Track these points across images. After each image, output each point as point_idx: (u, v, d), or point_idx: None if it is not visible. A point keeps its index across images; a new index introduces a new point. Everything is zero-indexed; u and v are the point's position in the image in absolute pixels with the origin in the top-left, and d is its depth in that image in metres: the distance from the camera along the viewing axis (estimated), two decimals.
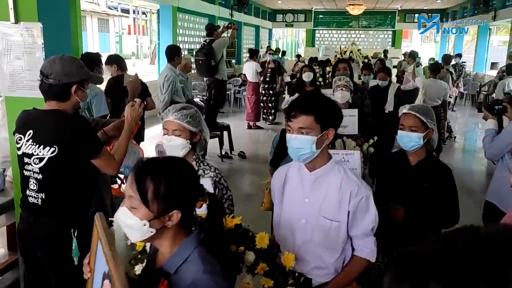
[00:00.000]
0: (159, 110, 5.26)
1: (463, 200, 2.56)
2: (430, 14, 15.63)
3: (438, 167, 2.41)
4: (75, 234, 2.11)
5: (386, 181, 2.55)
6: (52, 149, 2.08)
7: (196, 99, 6.72)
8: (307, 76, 5.42)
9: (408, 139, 2.32)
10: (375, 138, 3.32)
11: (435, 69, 7.11)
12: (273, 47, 20.45)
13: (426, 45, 35.35)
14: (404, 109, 2.37)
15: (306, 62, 9.71)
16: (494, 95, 7.53)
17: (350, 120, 3.12)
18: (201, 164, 2.16)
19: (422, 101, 6.55)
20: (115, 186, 3.55)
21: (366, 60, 9.61)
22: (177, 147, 2.07)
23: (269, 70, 9.55)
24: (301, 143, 1.76)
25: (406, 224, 2.31)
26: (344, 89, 3.71)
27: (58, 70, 2.12)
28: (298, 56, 15.05)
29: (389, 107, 5.69)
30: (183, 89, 5.45)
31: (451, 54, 14.06)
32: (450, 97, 8.68)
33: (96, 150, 2.16)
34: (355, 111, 3.27)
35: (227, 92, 10.40)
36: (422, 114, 2.30)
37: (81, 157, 2.15)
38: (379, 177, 2.70)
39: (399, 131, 2.37)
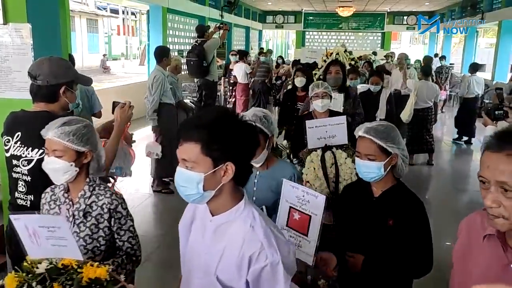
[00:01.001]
0: (148, 111, 5.23)
1: (459, 200, 2.57)
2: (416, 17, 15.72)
3: (406, 199, 1.95)
4: None
5: (345, 218, 2.11)
6: (41, 150, 2.06)
7: (186, 100, 6.69)
8: (299, 82, 5.07)
9: (366, 170, 1.90)
10: None
11: (426, 71, 7.21)
12: (265, 48, 20.50)
13: (414, 47, 35.73)
14: (359, 131, 1.93)
15: (290, 65, 9.72)
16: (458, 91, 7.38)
17: (339, 129, 2.91)
18: (96, 188, 1.84)
19: (414, 103, 6.60)
20: (109, 185, 3.53)
21: (353, 62, 9.57)
22: (57, 170, 1.76)
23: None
24: (185, 180, 1.33)
25: (365, 275, 1.94)
26: (324, 97, 3.35)
27: (46, 72, 2.11)
28: (281, 57, 14.38)
29: (380, 114, 5.38)
30: (173, 91, 5.43)
31: (439, 55, 14.22)
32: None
33: None
34: (342, 119, 3.04)
35: (217, 93, 10.44)
36: (381, 138, 1.86)
37: None
38: (337, 212, 2.25)
39: (356, 159, 1.96)
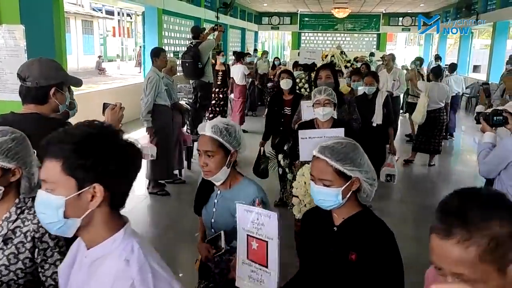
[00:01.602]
0: (142, 112, 5.20)
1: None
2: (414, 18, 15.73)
3: (372, 229, 1.64)
4: None
5: (304, 251, 1.84)
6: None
7: (182, 102, 6.67)
8: (285, 84, 4.73)
9: (321, 197, 1.62)
10: None
11: (436, 72, 7.28)
12: (259, 49, 20.52)
13: (410, 48, 35.85)
14: (314, 151, 1.66)
15: (290, 67, 9.20)
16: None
17: None
18: (24, 211, 1.59)
19: (426, 105, 6.62)
20: None
21: (348, 65, 9.18)
22: None
23: (220, 72, 8.95)
24: (43, 205, 1.13)
25: None
26: (326, 104, 3.12)
27: (36, 73, 2.08)
28: (277, 58, 13.53)
29: (377, 119, 4.98)
30: (169, 92, 5.40)
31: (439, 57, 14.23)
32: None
33: None
34: (340, 131, 2.84)
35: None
36: (337, 160, 1.58)
37: None
38: (299, 243, 1.98)
39: (310, 183, 1.68)
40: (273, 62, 13.21)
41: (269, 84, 11.26)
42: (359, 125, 3.77)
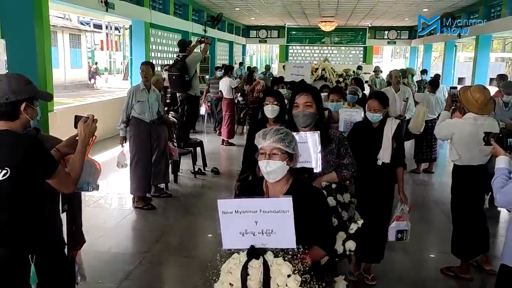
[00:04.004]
0: (117, 124, 5.36)
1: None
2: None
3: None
4: (33, 261, 2.02)
5: None
6: (4, 171, 1.99)
7: (170, 115, 6.65)
8: (271, 111, 3.48)
9: None
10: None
11: (434, 83, 7.55)
12: (247, 62, 20.62)
13: (396, 61, 36.41)
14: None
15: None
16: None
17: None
18: None
19: (426, 115, 6.67)
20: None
21: (341, 79, 7.80)
22: None
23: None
24: None
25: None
26: (274, 156, 2.00)
27: (4, 88, 2.02)
28: (251, 69, 12.22)
29: (384, 157, 3.55)
30: (152, 105, 5.37)
31: (420, 69, 14.43)
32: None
33: (51, 169, 2.08)
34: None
35: (206, 107, 10.44)
36: None
37: (36, 178, 2.06)
38: None
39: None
40: (249, 74, 11.84)
41: (240, 99, 10.19)
42: (353, 173, 2.74)
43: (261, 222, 1.78)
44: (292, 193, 1.92)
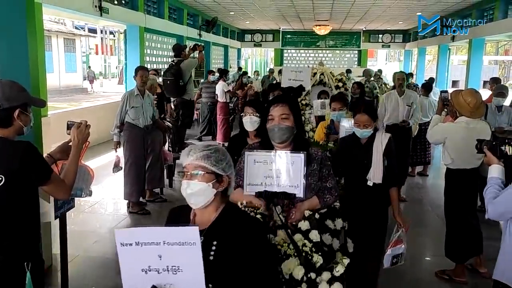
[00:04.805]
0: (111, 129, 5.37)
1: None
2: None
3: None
4: (29, 268, 2.01)
5: None
6: None
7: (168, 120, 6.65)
8: (249, 123, 3.12)
9: None
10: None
11: (428, 87, 7.69)
12: (243, 66, 20.64)
13: (390, 64, 36.58)
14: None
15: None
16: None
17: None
18: None
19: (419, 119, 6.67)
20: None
21: (340, 84, 7.16)
22: None
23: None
24: None
25: None
26: (192, 177, 1.71)
27: None
28: (243, 72, 12.02)
29: (374, 177, 3.14)
30: (146, 110, 5.36)
31: (414, 72, 14.49)
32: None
33: (46, 176, 2.08)
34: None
35: (196, 112, 10.43)
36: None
37: (31, 184, 2.06)
38: None
39: None
40: (241, 78, 11.62)
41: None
42: (335, 198, 2.38)
43: (165, 256, 1.45)
44: (220, 223, 1.67)
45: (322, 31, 19.21)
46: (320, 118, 5.07)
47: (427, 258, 4.51)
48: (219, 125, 9.40)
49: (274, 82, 10.37)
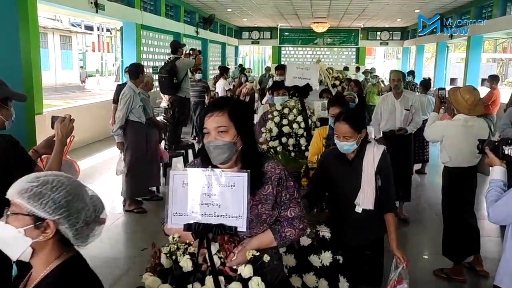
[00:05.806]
0: (114, 128, 5.24)
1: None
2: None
3: None
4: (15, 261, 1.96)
5: None
6: None
7: (160, 117, 6.60)
8: None
9: None
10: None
11: (426, 85, 7.63)
12: (239, 63, 20.56)
13: (388, 61, 36.58)
14: None
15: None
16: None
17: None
18: None
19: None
20: None
21: (337, 83, 6.47)
22: None
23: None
24: None
25: None
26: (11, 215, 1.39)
27: None
28: (241, 68, 11.92)
29: (364, 202, 2.55)
30: (144, 108, 5.32)
31: (413, 70, 14.45)
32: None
33: (28, 170, 2.03)
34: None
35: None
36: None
37: (13, 178, 2.02)
38: None
39: None
40: (240, 76, 11.34)
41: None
42: (301, 230, 1.79)
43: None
44: (46, 286, 1.32)
45: (320, 28, 19.16)
46: (324, 121, 4.28)
47: (425, 257, 4.48)
48: None
49: (271, 78, 9.81)
